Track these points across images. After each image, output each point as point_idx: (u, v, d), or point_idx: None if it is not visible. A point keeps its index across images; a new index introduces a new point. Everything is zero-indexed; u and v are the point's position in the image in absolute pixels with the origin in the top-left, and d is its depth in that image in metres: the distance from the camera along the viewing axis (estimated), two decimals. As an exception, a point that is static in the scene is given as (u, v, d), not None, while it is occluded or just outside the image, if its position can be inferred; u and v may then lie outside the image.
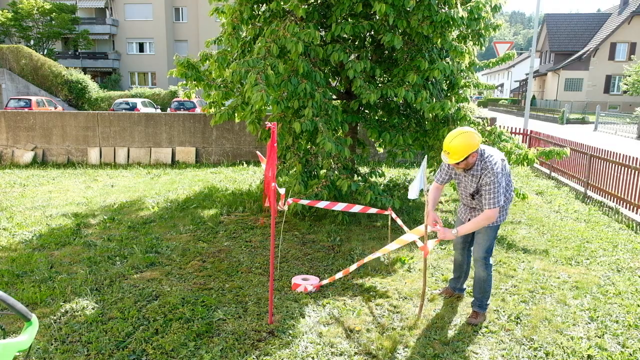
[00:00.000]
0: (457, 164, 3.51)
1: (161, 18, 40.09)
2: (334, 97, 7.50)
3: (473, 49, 6.83)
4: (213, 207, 7.45)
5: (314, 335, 3.62)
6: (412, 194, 3.93)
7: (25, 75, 29.23)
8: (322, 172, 7.18)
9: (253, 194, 8.32)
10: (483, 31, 6.71)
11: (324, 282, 4.36)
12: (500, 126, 9.64)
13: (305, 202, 5.05)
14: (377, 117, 7.32)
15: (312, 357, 3.33)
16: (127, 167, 11.98)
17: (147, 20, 40.25)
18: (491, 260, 3.81)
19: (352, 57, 6.29)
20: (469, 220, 3.78)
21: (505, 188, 3.62)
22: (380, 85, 6.93)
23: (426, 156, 4.65)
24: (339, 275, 4.26)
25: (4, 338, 2.10)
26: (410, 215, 7.01)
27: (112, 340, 3.48)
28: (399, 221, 5.01)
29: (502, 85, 70.50)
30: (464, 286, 4.29)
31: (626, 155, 7.74)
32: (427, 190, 3.87)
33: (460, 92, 7.40)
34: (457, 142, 3.44)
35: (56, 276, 4.66)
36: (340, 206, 4.95)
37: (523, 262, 5.26)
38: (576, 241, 6.02)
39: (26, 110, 17.93)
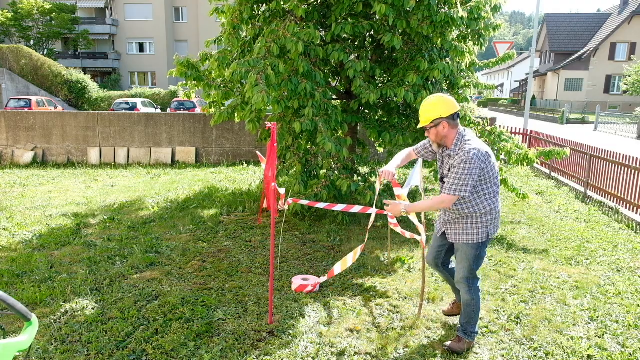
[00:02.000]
0: (428, 130, 3.23)
1: (161, 18, 40.11)
2: (334, 97, 7.50)
3: (473, 49, 6.83)
4: (213, 207, 7.45)
5: (314, 335, 3.62)
6: (405, 188, 3.98)
7: (25, 75, 29.24)
8: (322, 172, 7.18)
9: (253, 194, 8.32)
10: (483, 31, 6.71)
11: (322, 279, 4.37)
12: (500, 126, 9.65)
13: (305, 202, 5.04)
14: (377, 117, 7.32)
15: (312, 357, 3.33)
16: (127, 167, 11.98)
17: (147, 20, 40.27)
18: (478, 284, 3.40)
19: (352, 57, 6.29)
20: (444, 221, 3.42)
21: (490, 194, 3.19)
22: (380, 85, 6.93)
23: None
24: (323, 279, 4.34)
25: (4, 338, 2.10)
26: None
27: (112, 340, 3.48)
28: (395, 224, 5.01)
29: (502, 85, 70.52)
30: None
31: (626, 155, 7.74)
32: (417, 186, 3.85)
33: (460, 92, 7.40)
34: (425, 104, 3.20)
35: (56, 276, 4.66)
36: (340, 207, 4.94)
37: (523, 262, 5.26)
38: (576, 241, 6.03)
39: (26, 110, 17.95)
